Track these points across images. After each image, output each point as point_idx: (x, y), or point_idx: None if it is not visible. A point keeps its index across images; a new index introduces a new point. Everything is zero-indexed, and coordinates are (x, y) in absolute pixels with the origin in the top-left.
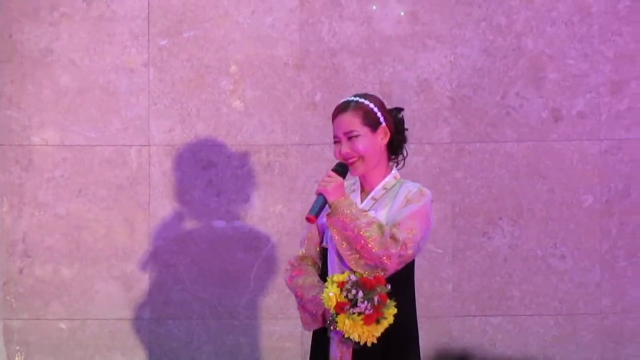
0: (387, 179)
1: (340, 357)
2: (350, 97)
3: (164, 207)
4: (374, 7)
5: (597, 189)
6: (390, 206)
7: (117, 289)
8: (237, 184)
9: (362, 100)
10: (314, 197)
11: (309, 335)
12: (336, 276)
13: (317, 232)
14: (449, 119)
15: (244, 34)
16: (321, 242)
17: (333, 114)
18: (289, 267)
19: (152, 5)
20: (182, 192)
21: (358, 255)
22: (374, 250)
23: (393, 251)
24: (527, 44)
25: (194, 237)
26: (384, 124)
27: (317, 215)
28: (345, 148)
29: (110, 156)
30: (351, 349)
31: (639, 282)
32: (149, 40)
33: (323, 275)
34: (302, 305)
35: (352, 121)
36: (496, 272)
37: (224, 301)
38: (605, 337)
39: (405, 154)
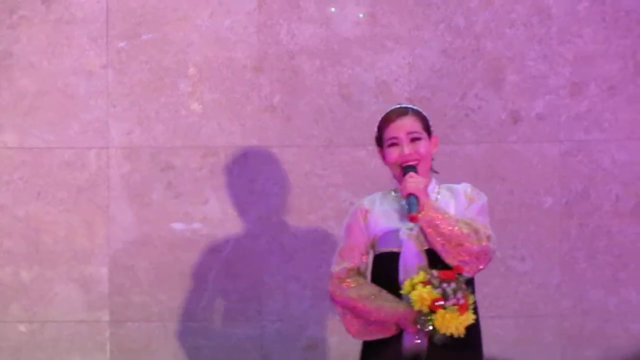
0: (432, 185)
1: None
2: (400, 105)
3: (123, 209)
4: (333, 9)
5: (557, 190)
6: (455, 206)
7: (76, 291)
8: (195, 186)
9: (416, 107)
10: (273, 199)
11: (268, 337)
12: (415, 278)
13: (362, 242)
14: None
15: (203, 36)
16: (366, 251)
17: (388, 118)
18: (335, 280)
19: (111, 8)
20: (141, 195)
21: (456, 251)
22: (473, 247)
23: (491, 247)
24: (486, 45)
25: (153, 240)
26: (434, 134)
27: (418, 213)
28: (408, 149)
29: (69, 159)
30: (429, 345)
31: (598, 283)
32: (107, 42)
33: (390, 279)
34: (359, 315)
35: (415, 124)
36: None
37: (183, 303)
38: (565, 338)
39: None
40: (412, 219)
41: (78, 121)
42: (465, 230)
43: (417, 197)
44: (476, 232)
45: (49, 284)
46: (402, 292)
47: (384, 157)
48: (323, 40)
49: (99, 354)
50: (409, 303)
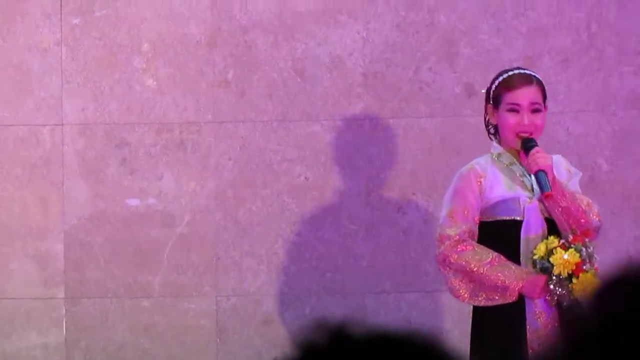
0: None
1: (548, 322)
2: (524, 70)
3: (78, 186)
4: None
5: None
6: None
7: (32, 268)
8: (150, 162)
9: (539, 76)
10: (227, 175)
11: (224, 313)
12: (548, 243)
13: (476, 206)
14: (362, 95)
15: (156, 12)
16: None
17: (513, 83)
18: (450, 243)
19: None
20: (95, 171)
21: (576, 226)
22: (591, 222)
23: (601, 222)
24: (439, 19)
25: (108, 216)
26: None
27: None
28: (527, 119)
29: (24, 135)
30: (557, 312)
31: None
32: (61, 19)
33: (509, 246)
34: (472, 280)
35: (538, 94)
36: (411, 247)
37: (138, 279)
38: None
39: None
40: (547, 197)
41: (32, 98)
42: (584, 206)
43: (546, 173)
44: (590, 206)
45: (5, 260)
46: (535, 257)
47: (491, 115)
48: (276, 15)
49: (55, 330)
50: (536, 269)
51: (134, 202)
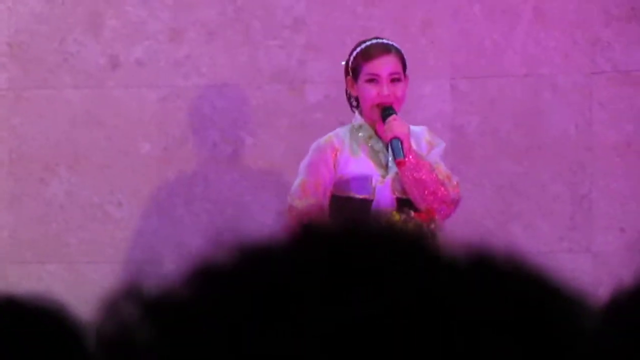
0: None
1: None
2: (382, 40)
3: None
4: None
5: (155, 136)
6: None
7: None
8: None
9: (397, 46)
10: None
11: None
12: (390, 220)
13: (329, 180)
14: (7, 65)
15: None
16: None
17: (370, 53)
18: (297, 216)
19: None
20: None
21: (431, 198)
22: (449, 194)
23: (460, 194)
24: None
25: None
26: (407, 75)
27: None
28: (387, 90)
29: None
30: None
31: (196, 229)
32: None
33: None
34: None
35: (397, 64)
36: (53, 219)
37: None
38: None
39: None
40: (400, 164)
41: None
42: (441, 177)
43: (401, 141)
44: (449, 178)
45: None
46: None
47: (351, 88)
48: None
49: None
50: None
51: None
